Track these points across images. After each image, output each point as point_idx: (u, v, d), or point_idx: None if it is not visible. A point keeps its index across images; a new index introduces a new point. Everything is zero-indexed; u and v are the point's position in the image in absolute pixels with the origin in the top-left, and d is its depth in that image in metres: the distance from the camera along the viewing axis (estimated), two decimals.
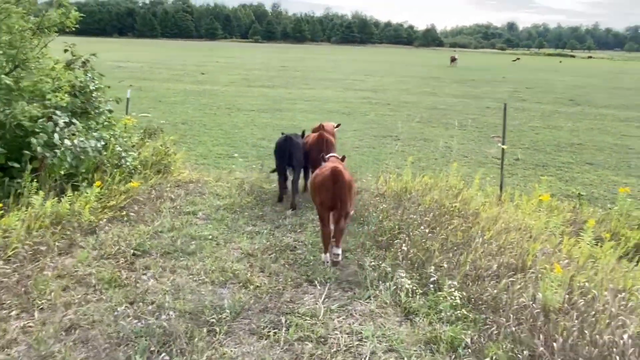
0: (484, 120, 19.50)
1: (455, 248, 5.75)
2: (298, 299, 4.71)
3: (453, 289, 4.66)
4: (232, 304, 4.49)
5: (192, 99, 22.44)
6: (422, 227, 6.24)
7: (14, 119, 6.47)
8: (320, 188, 5.70)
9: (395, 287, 4.86)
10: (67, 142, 6.66)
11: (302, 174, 8.24)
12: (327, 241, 5.61)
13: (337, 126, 9.85)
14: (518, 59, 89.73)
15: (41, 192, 6.08)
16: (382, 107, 22.42)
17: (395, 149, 13.45)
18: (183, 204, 7.42)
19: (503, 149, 9.14)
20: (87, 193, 6.53)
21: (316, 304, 4.61)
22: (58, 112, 6.93)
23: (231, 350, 3.88)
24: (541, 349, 3.71)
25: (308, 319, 4.33)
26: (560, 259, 5.45)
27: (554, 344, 3.71)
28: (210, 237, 6.17)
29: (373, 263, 5.44)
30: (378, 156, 12.62)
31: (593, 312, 4.16)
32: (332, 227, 5.64)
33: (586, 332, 3.84)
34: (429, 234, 6.06)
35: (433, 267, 5.17)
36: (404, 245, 5.70)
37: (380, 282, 5.03)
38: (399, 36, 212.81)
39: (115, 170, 7.46)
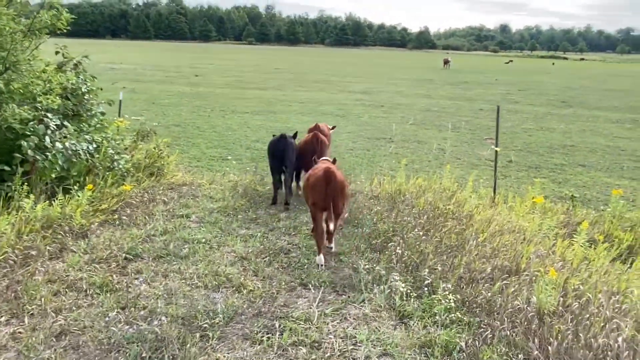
0: (477, 122, 19.57)
1: (449, 250, 5.74)
2: (292, 303, 4.68)
3: (447, 292, 4.64)
4: (225, 309, 4.45)
5: (185, 101, 22.37)
6: (416, 230, 6.23)
7: (4, 122, 6.40)
8: (313, 189, 5.78)
9: (389, 290, 4.83)
10: (58, 144, 6.60)
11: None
12: (320, 242, 5.64)
13: (333, 128, 9.89)
14: (511, 61, 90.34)
15: (32, 196, 6.01)
16: (375, 109, 22.45)
17: (389, 151, 13.45)
18: (176, 207, 7.37)
19: (496, 151, 9.16)
20: (78, 196, 6.46)
21: (310, 307, 4.58)
22: (49, 115, 6.86)
23: (224, 356, 3.84)
24: (536, 352, 3.70)
25: (302, 323, 4.29)
26: (554, 262, 5.46)
27: (549, 348, 3.71)
28: (203, 240, 6.12)
29: (367, 266, 5.41)
30: (372, 158, 12.62)
31: (587, 315, 4.15)
32: (325, 227, 5.69)
33: (581, 335, 3.84)
34: (423, 237, 6.04)
35: (427, 270, 5.15)
36: (398, 248, 5.69)
37: (374, 285, 5.00)
38: (393, 38, 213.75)
39: (107, 173, 7.40)
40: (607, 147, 15.72)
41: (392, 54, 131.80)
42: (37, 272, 4.94)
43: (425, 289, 4.86)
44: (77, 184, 6.87)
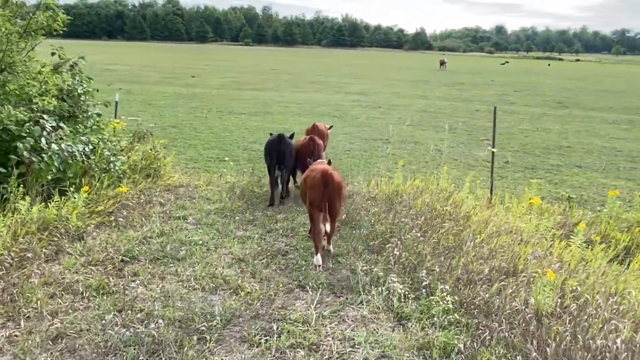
0: (473, 123, 19.60)
1: (446, 252, 5.74)
2: (290, 305, 4.66)
3: (445, 294, 4.63)
4: (223, 311, 4.42)
5: (182, 102, 22.33)
6: (413, 231, 6.22)
7: (0, 123, 6.36)
8: (311, 190, 5.81)
9: (387, 291, 4.82)
10: (54, 146, 6.56)
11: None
12: (318, 242, 5.64)
13: (330, 128, 10.01)
14: (507, 62, 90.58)
15: (28, 198, 5.97)
16: (372, 110, 22.46)
17: (386, 152, 13.46)
18: (173, 209, 7.34)
19: (493, 151, 9.18)
20: (74, 198, 6.43)
21: (308, 309, 4.56)
22: (45, 116, 6.83)
23: (222, 359, 3.82)
24: (534, 354, 3.69)
25: (300, 325, 4.27)
26: (552, 263, 5.47)
27: (547, 349, 3.70)
28: (200, 242, 6.10)
29: (365, 267, 5.41)
30: (369, 159, 12.62)
31: (585, 317, 4.16)
32: (322, 228, 5.69)
33: (579, 336, 3.84)
34: (421, 238, 6.04)
35: (425, 271, 5.14)
36: (395, 249, 5.68)
37: (372, 286, 4.99)
38: (389, 40, 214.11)
39: (103, 174, 7.36)
40: (603, 147, 15.77)
41: (389, 55, 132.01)
42: (33, 274, 4.91)
43: (423, 290, 4.85)
44: (73, 186, 6.84)
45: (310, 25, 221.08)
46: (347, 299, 4.84)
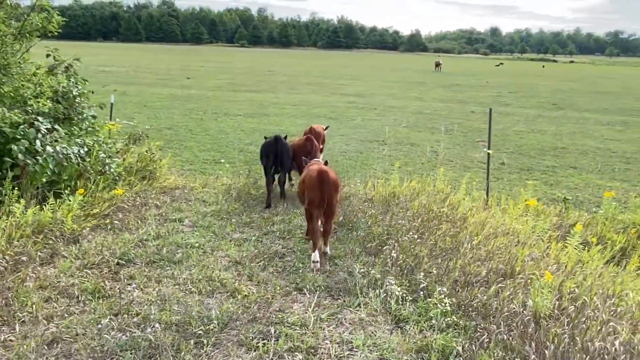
0: (468, 124, 19.65)
1: (444, 254, 5.74)
2: (287, 308, 4.63)
3: (443, 296, 4.62)
4: (220, 315, 4.39)
5: (177, 103, 22.27)
6: (410, 233, 6.21)
7: None
8: (308, 188, 5.88)
9: (385, 294, 4.81)
10: (49, 148, 6.51)
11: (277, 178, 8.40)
12: (316, 239, 5.67)
13: (326, 128, 10.17)
14: (501, 63, 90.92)
15: (22, 200, 5.93)
16: (368, 111, 22.47)
17: (383, 153, 13.46)
18: (169, 211, 7.30)
19: (488, 153, 9.20)
20: (69, 201, 6.38)
21: (306, 312, 4.54)
22: (40, 118, 6.78)
23: None
24: (533, 356, 3.68)
25: (298, 328, 4.25)
26: (549, 264, 5.47)
27: (546, 352, 3.69)
28: (196, 245, 6.06)
29: (362, 270, 5.39)
30: (365, 161, 12.62)
31: (583, 319, 4.16)
32: (320, 226, 5.80)
33: (577, 338, 3.83)
34: (418, 240, 6.03)
35: (422, 274, 5.13)
36: (393, 251, 5.67)
37: (370, 289, 4.98)
38: (385, 41, 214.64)
39: (98, 177, 7.32)
40: (598, 149, 15.84)
41: (384, 56, 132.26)
42: (28, 278, 4.86)
43: (421, 292, 4.84)
44: (68, 189, 6.79)
45: (305, 26, 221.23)
46: (344, 301, 4.82)
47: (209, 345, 3.96)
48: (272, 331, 4.17)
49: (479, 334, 4.13)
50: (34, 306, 4.35)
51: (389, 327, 4.38)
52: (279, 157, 7.94)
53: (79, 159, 7.01)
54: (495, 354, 3.82)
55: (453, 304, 4.57)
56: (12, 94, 7.06)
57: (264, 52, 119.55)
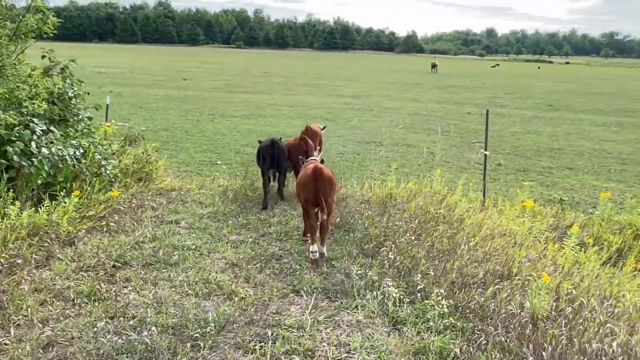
0: (465, 125, 19.69)
1: (441, 255, 5.73)
2: (284, 310, 4.61)
3: (440, 297, 4.62)
4: (217, 317, 4.37)
5: (174, 105, 22.22)
6: (407, 234, 6.21)
7: None
8: (304, 186, 5.96)
9: (382, 296, 4.79)
10: (44, 150, 6.48)
11: (274, 179, 8.52)
12: (313, 234, 5.72)
13: (323, 128, 10.20)
14: (497, 65, 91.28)
15: (17, 203, 5.88)
16: (365, 112, 22.49)
17: (379, 155, 13.46)
18: (165, 213, 7.27)
19: (485, 154, 9.21)
20: (65, 203, 6.34)
21: (303, 315, 4.52)
22: (35, 120, 6.74)
23: None
24: (531, 358, 3.68)
25: (295, 331, 4.23)
26: (546, 266, 5.47)
27: (543, 353, 3.69)
28: (193, 247, 6.03)
29: (360, 271, 5.37)
30: (362, 162, 12.62)
31: (581, 320, 4.16)
32: (317, 222, 5.84)
33: (575, 340, 3.83)
34: (415, 241, 6.02)
35: (420, 275, 5.12)
36: (390, 253, 5.66)
37: (367, 291, 4.96)
38: (381, 42, 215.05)
39: (94, 179, 7.28)
40: (594, 150, 15.90)
41: (380, 57, 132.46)
42: (23, 281, 4.82)
43: (418, 294, 4.83)
44: (64, 190, 6.75)
45: (302, 28, 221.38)
46: (342, 303, 4.80)
47: (206, 349, 3.94)
48: (269, 334, 4.15)
49: (476, 335, 4.13)
50: (29, 309, 4.32)
51: (386, 329, 4.37)
52: (275, 159, 7.99)
53: (74, 160, 6.98)
54: (493, 356, 3.82)
55: (450, 305, 4.57)
56: (7, 96, 7.02)
57: (260, 53, 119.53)
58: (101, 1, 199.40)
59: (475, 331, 4.21)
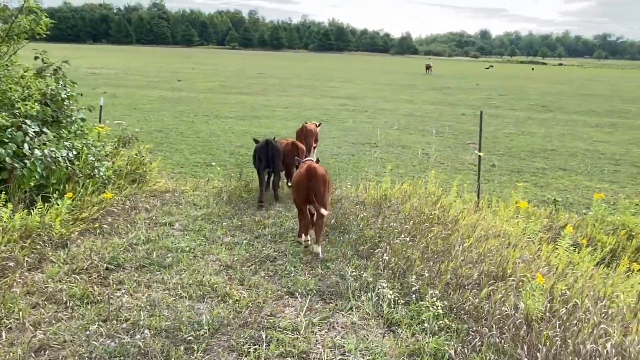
0: (459, 127, 19.73)
1: (435, 256, 5.73)
2: (279, 313, 4.60)
3: (435, 299, 4.62)
4: (211, 320, 4.34)
5: (168, 106, 22.15)
6: (402, 236, 6.21)
7: None
8: (298, 185, 6.11)
9: (377, 297, 4.79)
10: (37, 152, 6.43)
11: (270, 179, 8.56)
12: (306, 228, 5.99)
13: (319, 125, 10.35)
14: (491, 66, 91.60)
15: (10, 204, 5.84)
16: (359, 114, 22.50)
17: (374, 156, 13.46)
18: (159, 215, 7.23)
19: (479, 155, 9.23)
20: (58, 205, 6.29)
21: (297, 317, 4.50)
22: (28, 121, 6.69)
23: None
24: (525, 359, 3.68)
25: (289, 333, 4.21)
26: (540, 267, 5.49)
27: (538, 354, 3.70)
28: (187, 249, 6.00)
29: (354, 273, 5.37)
30: (357, 163, 12.62)
31: (575, 321, 4.17)
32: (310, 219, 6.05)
33: (569, 341, 3.84)
34: (410, 243, 6.03)
35: (414, 276, 5.12)
36: (384, 254, 5.66)
37: (362, 292, 4.96)
38: (375, 44, 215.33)
39: (87, 180, 7.23)
40: (587, 151, 15.98)
41: (375, 59, 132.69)
42: (15, 283, 4.79)
43: (413, 295, 4.82)
44: (57, 192, 6.69)
45: (296, 29, 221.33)
46: (336, 305, 4.79)
47: (200, 351, 3.91)
48: (264, 336, 4.13)
49: (471, 337, 4.13)
50: (20, 312, 4.28)
51: (381, 331, 4.36)
52: (270, 159, 8.05)
53: (67, 162, 6.93)
54: (488, 357, 3.82)
55: (445, 306, 4.57)
56: None
57: (255, 55, 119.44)
58: (95, 2, 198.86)
59: (470, 332, 4.21)
